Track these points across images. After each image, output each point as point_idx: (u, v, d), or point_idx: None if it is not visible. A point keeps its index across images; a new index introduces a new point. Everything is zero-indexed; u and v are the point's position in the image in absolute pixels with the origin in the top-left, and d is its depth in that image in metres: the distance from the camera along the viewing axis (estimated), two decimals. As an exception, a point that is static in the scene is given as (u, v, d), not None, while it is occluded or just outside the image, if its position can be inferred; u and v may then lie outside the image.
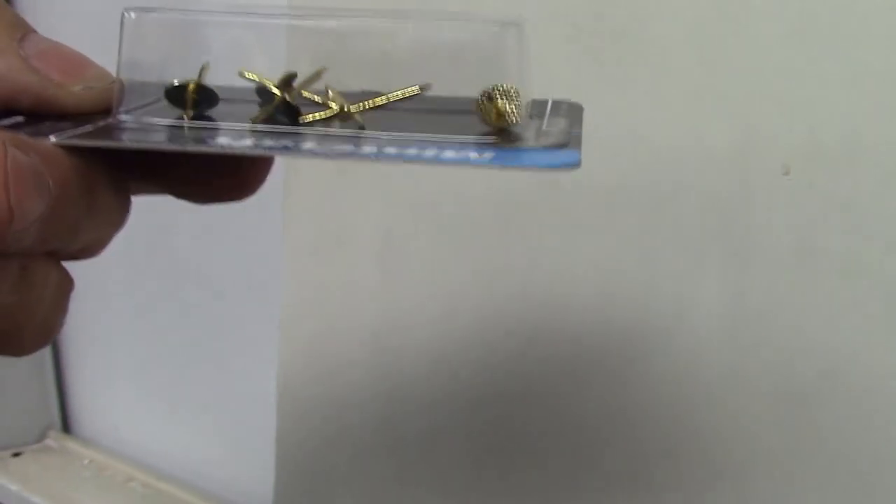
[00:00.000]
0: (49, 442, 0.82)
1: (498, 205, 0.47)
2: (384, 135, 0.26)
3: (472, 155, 0.24)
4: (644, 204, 0.43)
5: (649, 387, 0.44)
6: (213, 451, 0.73)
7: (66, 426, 0.84)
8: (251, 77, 0.27)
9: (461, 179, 0.48)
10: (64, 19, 0.73)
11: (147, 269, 0.74)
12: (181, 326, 0.73)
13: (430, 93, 0.27)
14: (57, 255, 0.26)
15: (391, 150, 0.24)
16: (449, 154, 0.24)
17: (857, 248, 0.38)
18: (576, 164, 0.24)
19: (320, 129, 0.26)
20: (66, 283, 0.26)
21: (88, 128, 0.26)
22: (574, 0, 0.44)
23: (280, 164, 0.53)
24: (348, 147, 0.25)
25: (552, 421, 0.48)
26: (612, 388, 0.45)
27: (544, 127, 0.27)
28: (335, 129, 0.26)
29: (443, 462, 0.52)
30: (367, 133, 0.26)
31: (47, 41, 0.27)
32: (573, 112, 0.29)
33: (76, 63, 0.27)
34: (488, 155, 0.24)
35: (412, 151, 0.24)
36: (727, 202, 0.41)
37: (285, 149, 0.25)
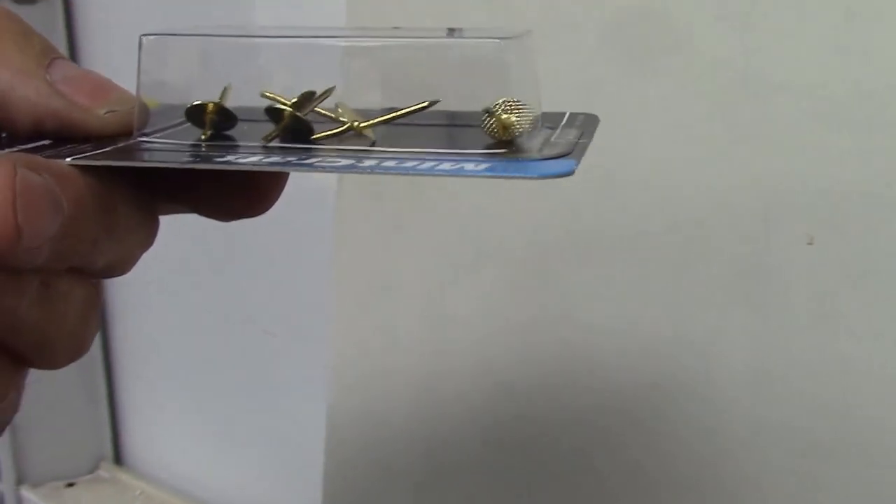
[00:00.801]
0: (101, 473, 0.84)
1: (535, 261, 0.49)
2: (388, 149, 0.26)
3: (468, 166, 0.24)
4: (674, 265, 0.44)
5: (676, 439, 0.45)
6: (261, 487, 0.74)
7: (118, 458, 0.85)
8: (271, 97, 0.27)
9: (500, 234, 0.50)
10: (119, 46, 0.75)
11: (201, 308, 0.75)
12: (232, 364, 0.74)
13: (442, 107, 0.27)
14: (81, 272, 0.26)
15: (390, 163, 0.25)
16: (445, 166, 0.24)
17: (872, 313, 0.39)
18: (568, 173, 0.24)
19: (327, 147, 0.27)
20: (94, 299, 0.27)
21: (108, 149, 0.26)
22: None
23: (330, 213, 0.55)
24: (349, 161, 0.25)
25: (585, 469, 0.48)
26: (639, 440, 0.46)
27: (553, 138, 0.27)
28: (341, 146, 0.27)
29: (485, 500, 0.52)
30: (373, 148, 0.26)
31: (74, 67, 0.27)
32: (588, 123, 0.29)
33: (101, 87, 0.27)
34: (483, 166, 0.24)
35: (410, 164, 0.25)
36: (751, 266, 0.42)
37: (289, 164, 0.25)
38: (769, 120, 0.40)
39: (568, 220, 0.47)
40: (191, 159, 0.26)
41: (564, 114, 0.29)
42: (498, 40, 0.26)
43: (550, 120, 0.28)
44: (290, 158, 0.26)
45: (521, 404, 0.50)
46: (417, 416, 0.54)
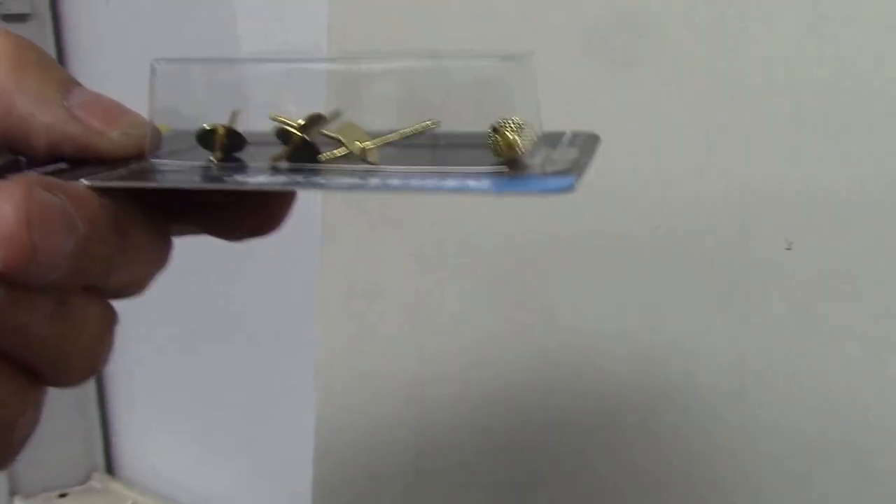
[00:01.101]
0: (93, 483, 0.84)
1: (516, 265, 0.49)
2: (391, 168, 0.27)
3: (472, 183, 0.25)
4: (655, 269, 0.45)
5: (657, 440, 0.46)
6: (252, 495, 0.74)
7: (110, 468, 0.86)
8: (281, 120, 0.28)
9: (484, 238, 0.50)
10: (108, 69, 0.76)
11: (189, 319, 0.75)
12: (221, 373, 0.75)
13: (446, 128, 0.28)
14: (97, 291, 0.27)
15: (395, 181, 0.25)
16: (450, 183, 0.25)
17: (851, 315, 0.40)
18: (569, 189, 0.24)
19: (334, 167, 0.27)
20: (110, 318, 0.27)
21: (122, 171, 0.27)
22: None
23: (315, 219, 0.56)
24: (355, 180, 0.26)
25: (571, 472, 0.49)
26: (623, 442, 0.47)
27: (554, 156, 0.28)
28: (348, 166, 0.27)
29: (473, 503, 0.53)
30: (377, 168, 0.27)
31: (90, 93, 0.28)
32: (588, 142, 0.30)
33: (115, 112, 0.28)
34: (487, 182, 0.25)
35: (415, 182, 0.25)
36: (731, 270, 0.42)
37: (296, 184, 0.26)
38: (746, 124, 0.41)
39: (548, 224, 0.48)
40: (201, 180, 0.27)
41: (564, 133, 0.30)
42: (502, 61, 0.27)
43: (551, 139, 0.29)
44: (297, 178, 0.26)
45: (507, 407, 0.51)
46: (405, 420, 0.55)
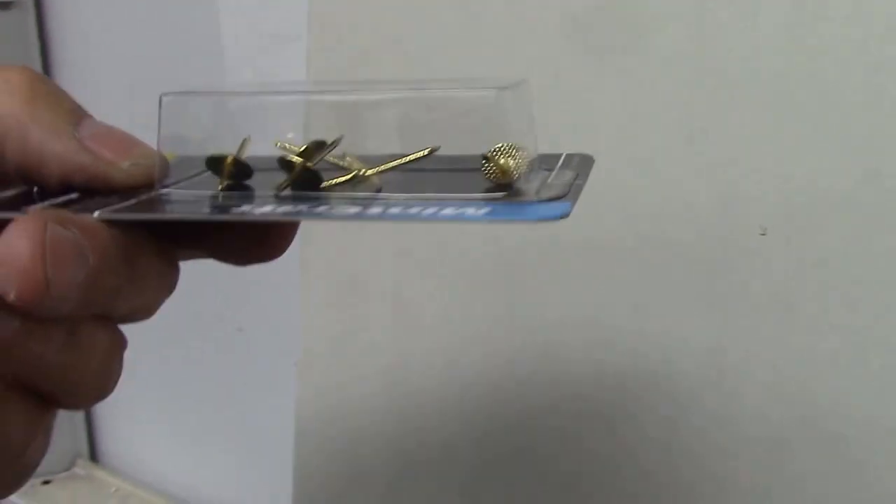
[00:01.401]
0: (77, 470, 0.84)
1: (499, 258, 0.49)
2: (392, 196, 0.27)
3: (469, 211, 0.25)
4: (634, 261, 0.45)
5: (638, 429, 0.46)
6: (235, 482, 0.75)
7: (94, 455, 0.86)
8: (285, 149, 0.29)
9: (465, 235, 0.51)
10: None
11: (173, 310, 0.75)
12: (205, 362, 0.75)
13: (444, 153, 0.28)
14: (106, 318, 0.27)
15: (395, 210, 0.26)
16: (448, 211, 0.25)
17: (827, 303, 0.40)
18: (564, 216, 0.25)
19: (336, 194, 0.28)
20: (118, 344, 0.28)
21: (132, 202, 0.28)
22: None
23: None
24: (357, 209, 0.26)
25: (553, 464, 0.49)
26: (605, 433, 0.47)
27: (550, 180, 0.28)
28: (350, 193, 0.28)
29: (454, 499, 0.53)
30: (379, 195, 0.27)
31: (100, 124, 0.29)
32: (583, 164, 0.30)
33: (125, 143, 0.29)
34: (484, 210, 0.25)
35: (415, 210, 0.26)
36: (708, 258, 0.43)
37: (300, 213, 0.27)
38: (724, 113, 0.41)
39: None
40: (208, 211, 0.28)
41: (561, 155, 0.31)
42: (496, 91, 0.28)
43: (547, 161, 0.30)
44: (301, 207, 0.27)
45: (489, 402, 0.51)
46: (386, 413, 0.55)
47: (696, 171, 0.43)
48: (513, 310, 0.50)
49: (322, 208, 0.27)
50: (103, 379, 0.28)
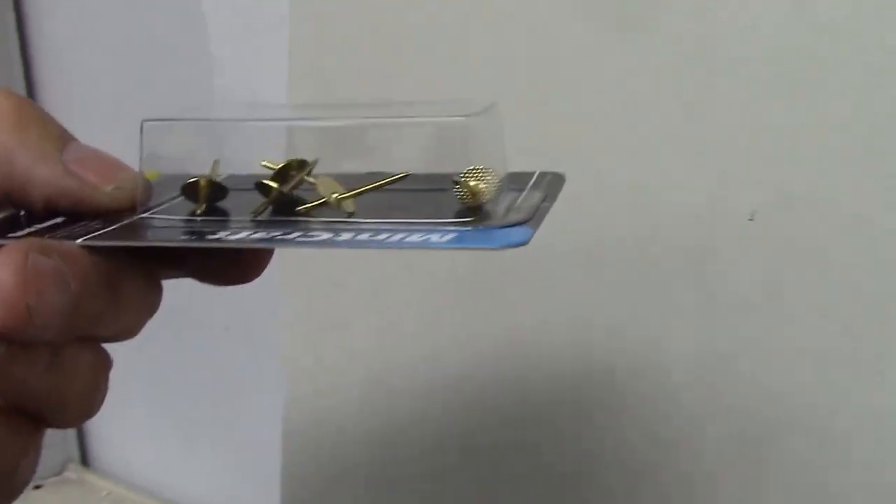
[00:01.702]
0: (68, 475, 0.83)
1: (482, 255, 0.49)
2: (363, 222, 0.28)
3: (434, 238, 0.26)
4: (623, 246, 0.45)
5: (620, 426, 0.46)
6: (226, 486, 0.75)
7: (85, 460, 0.85)
8: (263, 171, 0.30)
9: None
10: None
11: (161, 313, 0.75)
12: (193, 366, 0.75)
13: (417, 173, 0.30)
14: (90, 340, 0.28)
15: (364, 237, 0.27)
16: (414, 238, 0.26)
17: (818, 294, 0.40)
18: (523, 243, 0.25)
19: (310, 218, 0.29)
20: (103, 364, 0.29)
21: (114, 227, 0.29)
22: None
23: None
24: (328, 235, 0.27)
25: (537, 460, 0.50)
26: (591, 427, 0.48)
27: (518, 202, 0.29)
28: (323, 219, 0.29)
29: (441, 499, 0.54)
30: (351, 220, 0.28)
31: (86, 148, 0.30)
32: (554, 184, 0.31)
33: (110, 166, 0.30)
34: (448, 237, 0.26)
35: (382, 237, 0.26)
36: (698, 245, 0.43)
37: (273, 240, 0.27)
38: (720, 95, 0.41)
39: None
40: (185, 238, 0.28)
41: (533, 174, 0.31)
42: (464, 119, 0.28)
43: (519, 181, 0.30)
44: (274, 233, 0.28)
45: (474, 399, 0.52)
46: (370, 413, 0.55)
47: (684, 158, 0.42)
48: (496, 302, 0.50)
49: (294, 235, 0.27)
50: (88, 399, 0.28)
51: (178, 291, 0.75)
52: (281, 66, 0.56)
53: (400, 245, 0.26)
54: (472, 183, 0.28)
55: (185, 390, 0.77)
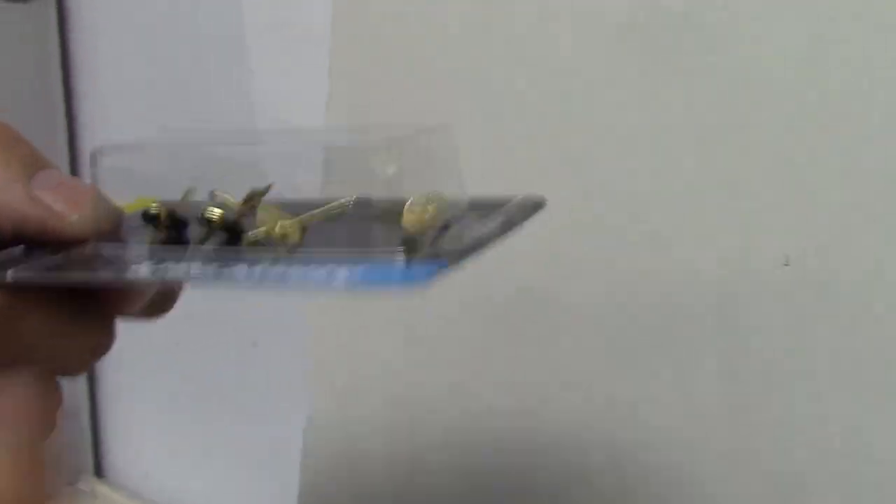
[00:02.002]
0: (82, 486, 0.84)
1: (506, 283, 0.49)
2: (305, 252, 0.26)
3: (340, 274, 0.24)
4: (654, 286, 0.44)
5: (650, 473, 0.46)
6: (240, 499, 0.74)
7: (99, 471, 0.86)
8: (219, 195, 0.29)
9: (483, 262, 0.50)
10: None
11: (180, 323, 0.74)
12: (212, 377, 0.75)
13: (368, 198, 0.28)
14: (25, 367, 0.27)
15: (297, 269, 0.25)
16: (317, 274, 0.24)
17: (845, 343, 0.39)
18: (423, 282, 0.23)
19: (253, 249, 0.27)
20: (40, 394, 0.28)
21: (58, 259, 0.28)
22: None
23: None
24: (243, 271, 0.25)
25: (558, 493, 0.49)
26: (616, 466, 0.47)
27: (469, 230, 0.27)
28: (264, 250, 0.27)
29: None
30: (294, 253, 0.27)
31: (55, 175, 0.29)
32: (525, 211, 0.29)
33: (78, 195, 0.28)
34: (342, 278, 0.24)
35: (295, 275, 0.24)
36: (729, 291, 0.42)
37: (195, 278, 0.26)
38: (746, 130, 0.40)
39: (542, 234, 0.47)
40: (107, 274, 0.27)
41: (513, 197, 0.29)
42: (418, 135, 0.28)
43: (487, 207, 0.28)
44: (208, 268, 0.26)
45: (498, 425, 0.51)
46: (392, 437, 0.55)
47: (712, 204, 0.42)
48: (528, 340, 0.49)
49: (195, 270, 0.26)
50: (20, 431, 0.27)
51: (208, 304, 0.74)
52: (321, 82, 0.56)
53: (303, 279, 0.24)
54: (417, 209, 0.26)
55: (206, 405, 0.76)
